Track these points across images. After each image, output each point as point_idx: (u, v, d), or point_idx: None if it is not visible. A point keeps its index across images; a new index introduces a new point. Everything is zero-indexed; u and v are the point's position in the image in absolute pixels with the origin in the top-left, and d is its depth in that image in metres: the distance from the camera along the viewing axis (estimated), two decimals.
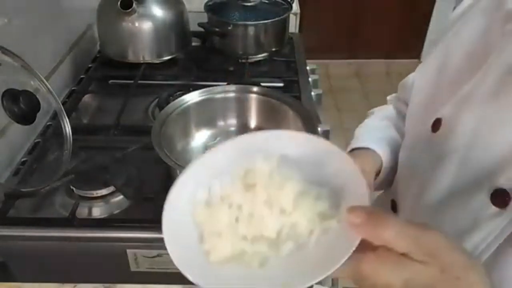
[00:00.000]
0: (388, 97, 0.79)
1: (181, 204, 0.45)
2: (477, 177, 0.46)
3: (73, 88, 1.17)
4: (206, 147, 0.90)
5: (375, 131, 0.72)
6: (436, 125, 0.52)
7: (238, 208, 0.42)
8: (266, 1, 1.34)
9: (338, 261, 0.36)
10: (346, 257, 0.35)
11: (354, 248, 0.36)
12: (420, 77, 0.64)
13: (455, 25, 0.59)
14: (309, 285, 0.36)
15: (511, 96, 0.44)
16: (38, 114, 0.80)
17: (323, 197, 0.42)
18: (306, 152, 0.45)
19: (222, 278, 0.40)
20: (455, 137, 0.49)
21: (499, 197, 0.43)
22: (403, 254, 0.35)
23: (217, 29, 1.27)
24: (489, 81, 0.47)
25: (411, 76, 0.70)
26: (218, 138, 0.92)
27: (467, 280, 0.35)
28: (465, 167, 0.48)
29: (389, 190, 0.67)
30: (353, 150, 0.69)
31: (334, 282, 0.83)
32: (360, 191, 0.40)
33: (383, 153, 0.66)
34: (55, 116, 0.95)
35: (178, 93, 1.03)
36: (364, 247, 0.36)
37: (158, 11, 1.21)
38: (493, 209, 0.43)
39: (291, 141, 0.46)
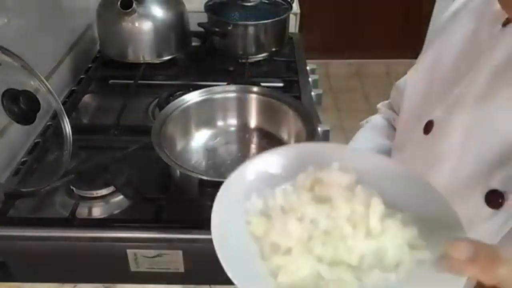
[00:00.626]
0: (378, 105, 0.79)
1: (230, 213, 0.39)
2: (470, 179, 0.45)
3: (73, 88, 1.17)
4: (206, 147, 0.90)
5: (365, 142, 0.72)
6: (428, 127, 0.52)
7: (312, 222, 0.36)
8: (266, 1, 1.34)
9: None
10: None
11: (463, 285, 0.31)
12: (412, 79, 0.64)
13: (446, 26, 0.59)
14: None
15: (500, 98, 0.44)
16: (38, 114, 0.80)
17: (409, 223, 0.36)
18: (378, 170, 0.40)
19: None
20: (447, 139, 0.49)
21: (493, 198, 0.43)
22: None
23: (217, 29, 1.27)
24: (479, 83, 0.47)
25: (402, 80, 0.70)
26: (218, 138, 0.93)
27: None
28: (459, 169, 0.47)
29: None
30: None
31: None
32: (451, 221, 0.35)
33: None
34: (55, 116, 0.95)
35: (178, 93, 1.03)
36: None
37: (158, 11, 1.21)
38: (488, 210, 0.43)
39: (362, 157, 0.41)
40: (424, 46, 0.67)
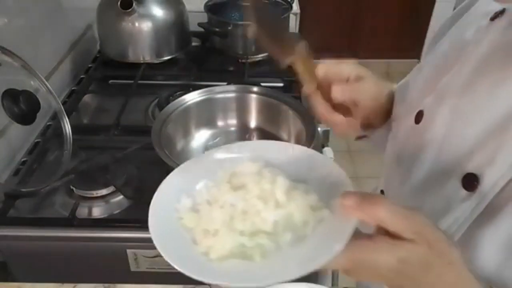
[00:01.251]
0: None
1: (165, 213, 0.45)
2: (451, 164, 0.48)
3: (73, 88, 1.17)
4: (206, 147, 0.90)
5: None
6: (418, 117, 0.54)
7: (231, 206, 0.44)
8: (266, 1, 1.34)
9: (339, 246, 0.37)
10: (345, 241, 0.37)
11: (353, 229, 0.38)
12: (415, 75, 0.65)
13: (451, 26, 0.61)
14: (310, 271, 0.38)
15: (483, 86, 0.47)
16: (38, 114, 0.80)
17: (311, 191, 0.45)
18: (287, 157, 0.49)
19: (224, 272, 0.40)
20: (433, 127, 0.52)
21: (469, 181, 0.45)
22: (394, 236, 0.38)
23: (217, 29, 1.27)
24: (464, 73, 0.49)
25: (403, 81, 0.70)
26: (218, 138, 0.93)
27: (451, 255, 0.39)
28: (441, 155, 0.50)
29: (380, 180, 0.67)
30: None
31: (334, 282, 0.83)
32: (343, 183, 0.44)
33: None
34: (55, 116, 0.95)
35: (178, 93, 1.03)
36: (358, 237, 0.39)
37: (158, 11, 1.21)
38: (464, 192, 0.46)
39: (270, 148, 0.51)
40: (426, 45, 0.68)
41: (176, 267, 0.41)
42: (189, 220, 0.45)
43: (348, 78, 0.58)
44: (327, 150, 0.97)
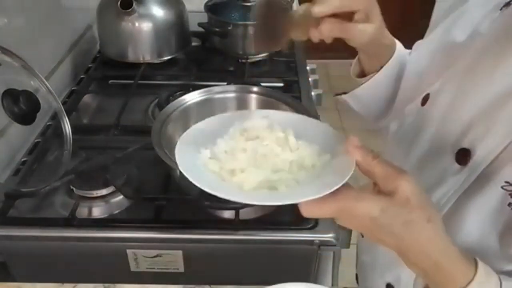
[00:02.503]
0: None
1: (189, 161, 0.51)
2: (447, 141, 0.52)
3: (73, 88, 1.17)
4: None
5: None
6: (425, 99, 0.58)
7: (252, 151, 0.52)
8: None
9: (342, 180, 0.45)
10: (348, 176, 0.45)
11: (354, 167, 0.46)
12: (417, 53, 0.69)
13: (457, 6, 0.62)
14: (320, 196, 0.44)
15: (484, 68, 0.50)
16: (38, 114, 0.80)
17: (313, 143, 0.53)
18: (285, 118, 0.58)
19: (256, 196, 0.48)
20: (436, 108, 0.56)
21: (462, 156, 0.49)
22: (379, 192, 0.43)
23: (217, 29, 1.27)
24: (469, 57, 0.53)
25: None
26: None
27: (430, 213, 0.43)
28: (439, 133, 0.54)
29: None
30: None
31: (334, 282, 0.83)
32: (340, 140, 0.52)
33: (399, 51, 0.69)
34: (55, 116, 0.95)
35: (178, 93, 1.03)
36: (347, 189, 0.45)
37: (158, 11, 1.21)
38: (456, 166, 0.50)
39: (275, 114, 0.59)
40: (431, 24, 0.69)
41: (218, 195, 0.45)
42: (213, 165, 0.51)
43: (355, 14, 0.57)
44: None
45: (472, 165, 0.48)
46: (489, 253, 0.47)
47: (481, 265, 0.43)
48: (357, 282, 0.83)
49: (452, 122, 0.52)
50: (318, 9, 0.53)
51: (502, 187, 0.45)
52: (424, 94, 0.58)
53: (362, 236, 0.72)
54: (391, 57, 0.67)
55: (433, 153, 0.54)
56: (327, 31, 0.55)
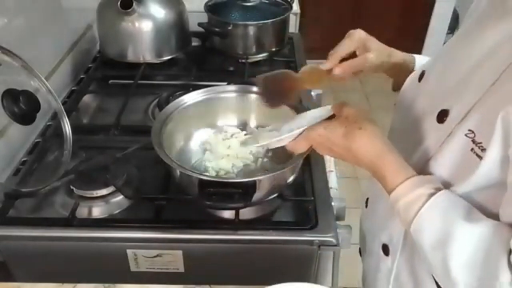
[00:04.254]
0: None
1: None
2: (433, 105, 0.60)
3: (73, 88, 1.17)
4: (205, 147, 0.90)
5: None
6: (421, 76, 0.67)
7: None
8: (266, 1, 1.34)
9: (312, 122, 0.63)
10: (318, 118, 0.63)
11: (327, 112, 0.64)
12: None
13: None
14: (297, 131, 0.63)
15: (466, 46, 0.58)
16: (38, 114, 0.80)
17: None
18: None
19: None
20: (427, 81, 0.65)
21: (441, 116, 0.57)
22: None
23: (217, 29, 1.27)
24: (455, 37, 0.63)
25: None
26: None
27: (362, 124, 0.58)
28: (427, 100, 0.63)
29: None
30: None
31: (334, 282, 0.83)
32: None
33: (417, 58, 0.77)
34: (55, 116, 0.95)
35: (178, 93, 1.03)
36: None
37: (158, 11, 1.21)
38: (436, 124, 0.58)
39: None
40: (426, 46, 0.80)
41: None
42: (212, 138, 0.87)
43: (355, 51, 0.72)
44: None
45: (448, 122, 0.56)
46: (458, 187, 0.54)
47: (417, 176, 0.55)
48: (360, 254, 0.84)
49: (438, 90, 0.61)
50: (325, 66, 0.70)
51: (465, 135, 0.53)
52: (421, 71, 0.67)
53: (366, 207, 0.78)
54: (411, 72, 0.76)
55: (422, 117, 0.63)
56: (341, 73, 0.70)
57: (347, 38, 0.72)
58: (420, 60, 0.77)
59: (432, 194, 0.52)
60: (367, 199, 0.79)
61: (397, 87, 0.81)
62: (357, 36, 0.71)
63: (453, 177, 0.55)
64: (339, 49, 0.70)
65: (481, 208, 0.53)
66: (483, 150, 0.50)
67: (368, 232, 0.79)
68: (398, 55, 0.75)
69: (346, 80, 0.74)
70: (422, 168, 0.59)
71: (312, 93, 1.15)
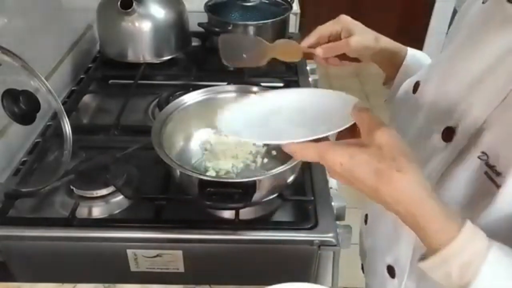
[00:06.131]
0: None
1: None
2: (435, 122, 0.56)
3: (73, 88, 1.17)
4: (205, 147, 0.90)
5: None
6: (416, 87, 0.63)
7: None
8: (266, 1, 1.34)
9: (328, 131, 0.50)
10: (336, 129, 0.50)
11: (346, 125, 0.50)
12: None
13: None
14: (304, 140, 0.50)
15: (466, 52, 0.55)
16: (38, 114, 0.80)
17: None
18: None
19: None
20: (425, 94, 0.61)
21: (447, 134, 0.53)
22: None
23: (217, 29, 1.27)
24: (453, 45, 0.59)
25: None
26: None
27: (402, 163, 0.44)
28: (428, 116, 0.59)
29: None
30: None
31: (334, 282, 0.83)
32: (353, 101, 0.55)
33: (410, 49, 0.76)
34: (55, 116, 0.95)
35: (178, 93, 1.03)
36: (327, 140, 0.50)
37: (158, 11, 1.21)
38: (442, 143, 0.54)
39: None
40: (425, 47, 0.77)
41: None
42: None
43: (339, 35, 0.73)
44: None
45: (456, 141, 0.52)
46: (475, 213, 0.49)
47: (468, 226, 0.44)
48: (363, 272, 0.83)
49: (439, 105, 0.56)
50: (305, 42, 0.72)
51: (478, 157, 0.48)
52: (415, 82, 0.64)
53: (366, 223, 0.75)
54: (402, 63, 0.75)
55: (423, 135, 0.58)
56: (322, 54, 0.71)
57: (332, 21, 0.73)
58: (412, 53, 0.75)
59: (489, 247, 0.44)
60: (366, 215, 0.76)
61: (388, 80, 0.81)
62: (342, 19, 0.72)
63: (465, 204, 0.50)
64: (321, 28, 0.72)
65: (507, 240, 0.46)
66: (498, 174, 0.46)
67: (370, 251, 0.76)
68: (385, 41, 0.74)
69: (336, 66, 0.75)
70: None
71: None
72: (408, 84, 0.67)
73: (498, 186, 0.46)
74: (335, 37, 0.74)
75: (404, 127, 0.63)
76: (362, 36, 0.71)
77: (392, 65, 0.76)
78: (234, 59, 0.80)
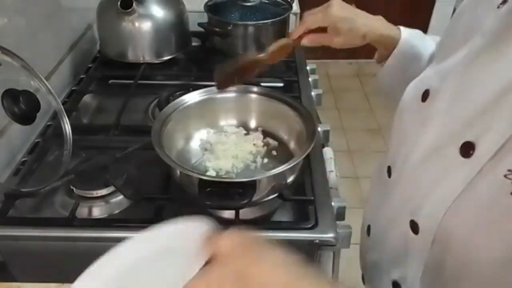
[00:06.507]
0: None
1: None
2: (451, 136, 0.52)
3: (73, 88, 1.17)
4: (205, 147, 0.90)
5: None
6: (425, 95, 0.59)
7: None
8: (266, 1, 1.34)
9: None
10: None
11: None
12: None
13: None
14: None
15: (482, 65, 0.51)
16: (38, 114, 0.80)
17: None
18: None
19: None
20: (437, 103, 0.56)
21: (466, 149, 0.49)
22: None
23: (217, 29, 1.27)
24: (468, 53, 0.54)
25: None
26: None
27: (265, 257, 0.45)
28: (442, 128, 0.54)
29: (387, 156, 0.69)
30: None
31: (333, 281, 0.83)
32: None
33: (405, 33, 0.75)
34: (55, 116, 0.95)
35: (178, 93, 1.03)
36: None
37: (158, 11, 1.21)
38: (461, 159, 0.49)
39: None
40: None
41: None
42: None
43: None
44: (327, 150, 0.97)
45: (476, 157, 0.48)
46: (484, 240, 0.48)
47: None
48: (364, 282, 0.83)
49: (454, 117, 0.52)
50: (293, 36, 0.75)
51: (504, 176, 0.45)
52: (424, 89, 0.59)
53: (368, 235, 0.73)
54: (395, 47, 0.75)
55: (437, 148, 0.54)
56: (308, 44, 0.74)
57: (321, 11, 0.72)
58: (407, 33, 0.75)
59: None
60: (369, 226, 0.73)
61: (380, 59, 0.81)
62: (330, 15, 0.72)
63: (487, 228, 0.47)
64: (309, 20, 0.73)
65: None
66: None
67: (374, 265, 0.73)
68: (374, 35, 0.75)
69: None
70: (443, 211, 0.51)
71: (312, 93, 1.15)
72: (413, 90, 0.63)
73: None
74: (322, 28, 0.76)
75: (412, 138, 0.60)
76: (348, 37, 0.73)
77: (384, 47, 0.77)
78: (227, 84, 0.85)
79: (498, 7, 0.52)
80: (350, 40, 0.74)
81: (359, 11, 0.76)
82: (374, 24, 0.76)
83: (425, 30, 0.75)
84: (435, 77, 0.59)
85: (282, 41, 0.78)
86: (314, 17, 0.73)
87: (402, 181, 0.61)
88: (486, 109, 0.48)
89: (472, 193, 0.48)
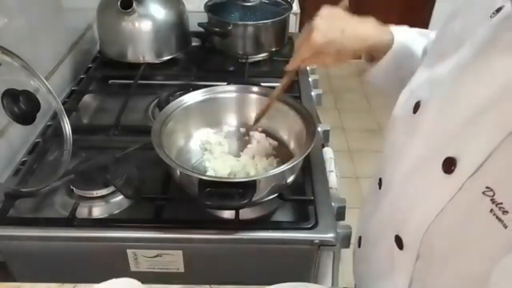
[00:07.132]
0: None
1: None
2: (435, 150, 0.51)
3: (73, 88, 1.17)
4: (205, 147, 0.90)
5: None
6: (416, 107, 0.58)
7: None
8: (266, 1, 1.34)
9: None
10: None
11: None
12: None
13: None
14: None
15: (469, 78, 0.50)
16: (38, 114, 0.80)
17: None
18: None
19: None
20: (425, 116, 0.56)
21: (448, 165, 0.48)
22: None
23: (217, 29, 1.27)
24: (456, 62, 0.53)
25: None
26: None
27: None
28: (428, 142, 0.54)
29: (379, 167, 0.69)
30: None
31: (334, 282, 0.83)
32: None
33: (398, 36, 0.75)
34: (55, 116, 0.95)
35: (178, 93, 1.03)
36: None
37: (158, 11, 1.21)
38: (442, 175, 0.49)
39: None
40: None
41: None
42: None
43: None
44: (327, 150, 0.97)
45: (457, 174, 0.47)
46: (467, 245, 0.47)
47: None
48: None
49: (439, 130, 0.52)
50: (291, 66, 0.77)
51: (483, 193, 0.44)
52: (415, 101, 0.58)
53: (359, 246, 0.72)
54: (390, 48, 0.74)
55: (422, 162, 0.54)
56: (305, 65, 0.82)
57: (305, 40, 0.72)
58: (400, 35, 0.75)
59: None
60: (360, 237, 0.72)
61: (371, 59, 0.80)
62: (315, 40, 0.71)
63: (466, 244, 0.47)
64: (299, 53, 0.74)
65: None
66: (505, 212, 0.42)
67: (364, 277, 0.72)
68: (364, 47, 0.76)
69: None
70: (425, 227, 0.51)
71: (312, 93, 1.15)
72: (405, 99, 0.63)
73: (505, 227, 0.42)
74: None
75: (400, 151, 0.59)
76: (338, 57, 0.75)
77: (378, 53, 0.77)
78: (258, 120, 0.90)
79: (491, 16, 0.51)
80: (341, 59, 0.75)
81: (346, 23, 0.75)
82: (364, 35, 0.74)
83: (428, 18, 0.75)
84: (426, 86, 0.58)
85: (284, 81, 0.83)
86: (303, 48, 0.74)
87: (389, 194, 0.60)
88: (467, 124, 0.47)
89: (453, 209, 0.48)
